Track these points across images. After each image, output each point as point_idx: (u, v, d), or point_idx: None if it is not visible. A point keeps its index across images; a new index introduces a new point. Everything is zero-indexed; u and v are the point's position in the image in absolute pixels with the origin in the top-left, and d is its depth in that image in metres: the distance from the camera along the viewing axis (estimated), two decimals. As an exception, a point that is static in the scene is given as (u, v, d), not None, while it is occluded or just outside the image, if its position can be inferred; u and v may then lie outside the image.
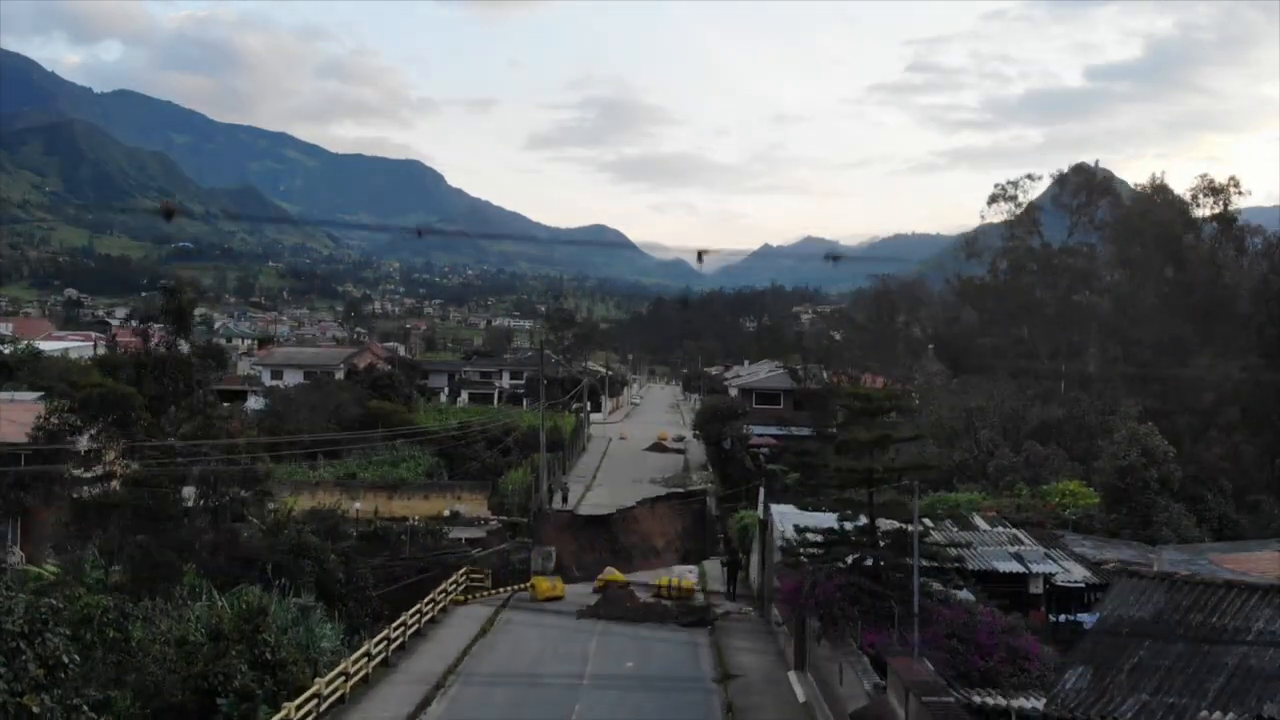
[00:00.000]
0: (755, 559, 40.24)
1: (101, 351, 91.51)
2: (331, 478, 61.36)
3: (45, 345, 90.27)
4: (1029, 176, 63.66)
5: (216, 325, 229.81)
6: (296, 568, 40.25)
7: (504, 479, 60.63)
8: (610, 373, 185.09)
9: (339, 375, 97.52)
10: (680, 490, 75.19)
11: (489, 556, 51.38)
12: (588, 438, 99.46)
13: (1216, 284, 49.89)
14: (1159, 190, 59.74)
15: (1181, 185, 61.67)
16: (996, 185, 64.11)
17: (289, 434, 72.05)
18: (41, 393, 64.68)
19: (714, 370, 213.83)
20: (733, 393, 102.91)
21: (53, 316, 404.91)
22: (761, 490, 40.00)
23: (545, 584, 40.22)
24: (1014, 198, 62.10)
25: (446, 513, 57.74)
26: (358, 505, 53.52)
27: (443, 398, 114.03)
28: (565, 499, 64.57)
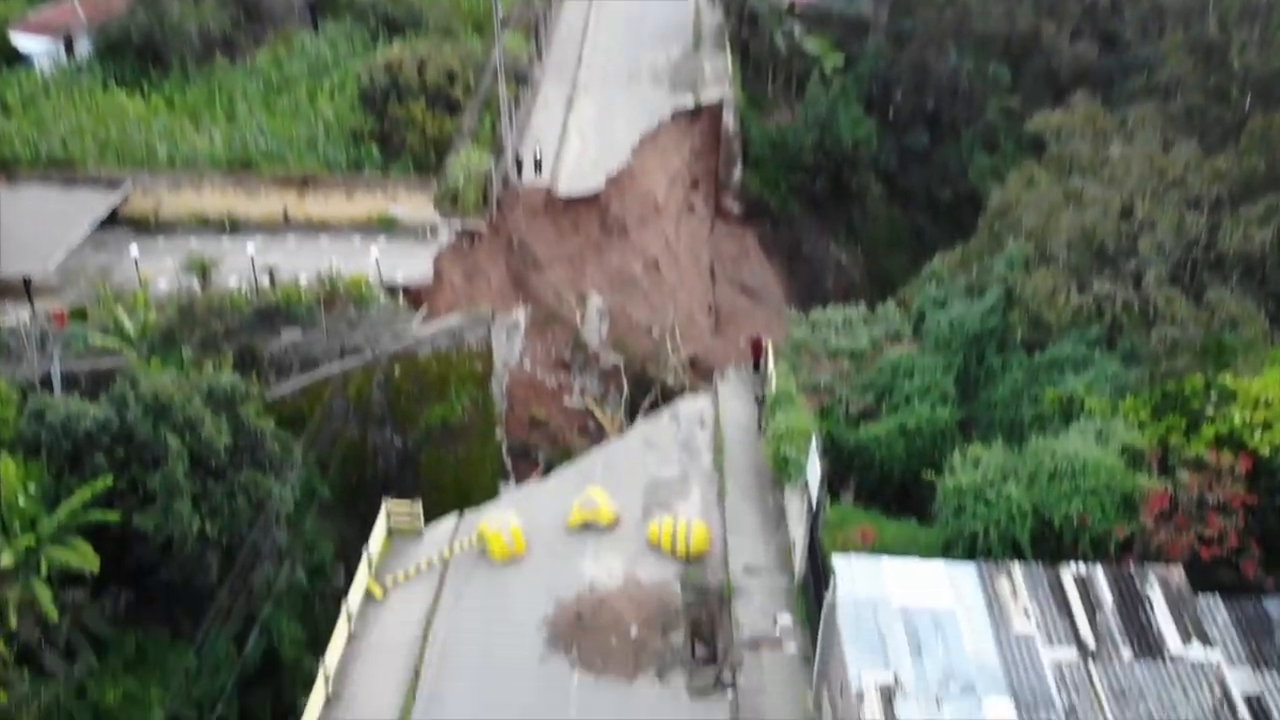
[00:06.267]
0: (800, 544, 27.86)
1: None
2: (224, 159, 45.36)
3: None
4: None
5: None
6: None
7: (453, 163, 44.77)
8: None
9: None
10: (689, 107, 58.23)
11: (436, 340, 38.65)
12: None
13: None
14: None
15: None
16: None
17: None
18: None
19: None
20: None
21: None
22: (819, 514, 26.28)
23: (499, 542, 28.63)
24: None
25: (380, 217, 43.60)
26: (251, 249, 39.12)
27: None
28: (539, 164, 49.17)
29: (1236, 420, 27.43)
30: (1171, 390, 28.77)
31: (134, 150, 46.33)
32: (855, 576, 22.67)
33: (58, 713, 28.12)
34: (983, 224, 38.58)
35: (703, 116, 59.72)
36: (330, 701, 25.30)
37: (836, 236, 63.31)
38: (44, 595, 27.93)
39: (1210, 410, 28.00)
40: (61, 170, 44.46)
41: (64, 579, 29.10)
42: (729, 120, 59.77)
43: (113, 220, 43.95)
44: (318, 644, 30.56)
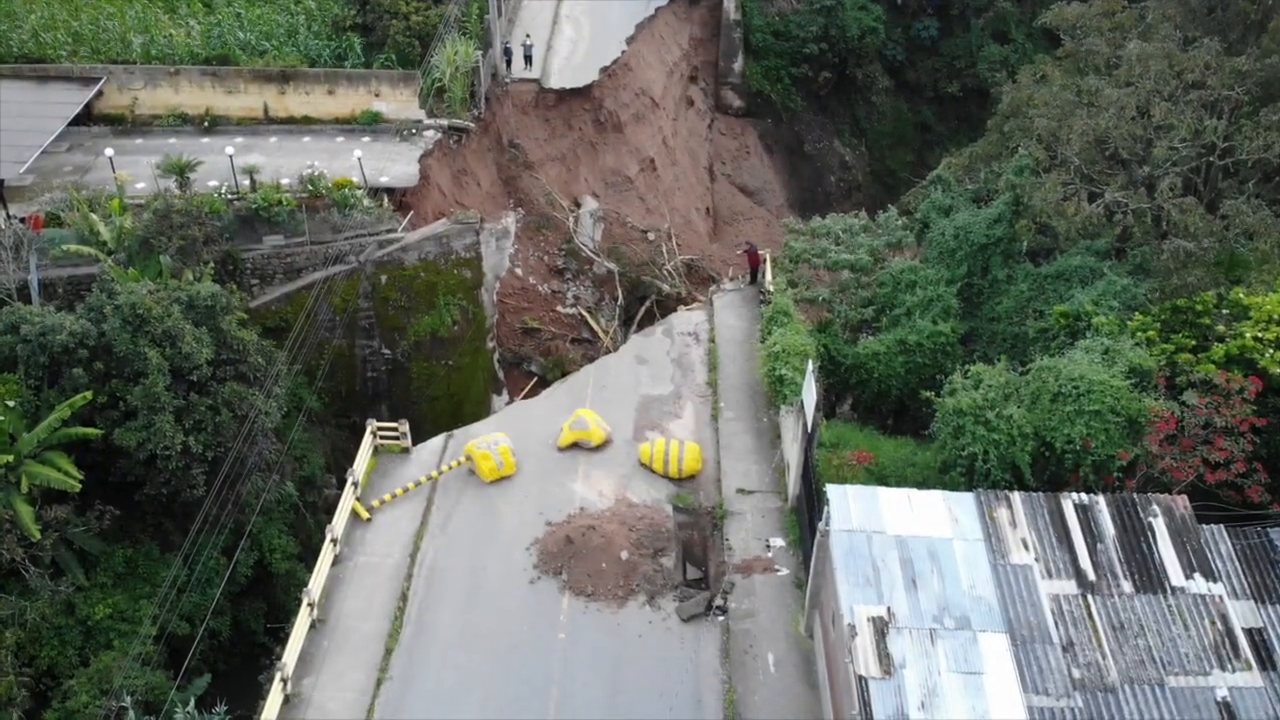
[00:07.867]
0: (795, 466, 27.12)
1: None
2: (202, 52, 43.37)
3: None
4: None
5: None
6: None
7: (438, 56, 42.75)
8: None
9: None
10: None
11: (422, 246, 37.46)
12: None
13: None
14: None
15: None
16: None
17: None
18: None
19: None
20: None
21: None
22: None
23: (488, 462, 27.94)
24: None
25: (364, 114, 41.88)
26: (231, 150, 37.56)
27: None
28: (529, 57, 47.12)
29: (1248, 338, 26.60)
30: (1182, 306, 27.83)
31: (109, 43, 44.30)
32: (849, 507, 22.04)
33: (46, 630, 27.92)
34: (992, 125, 36.95)
35: (702, 2, 57.31)
36: (316, 625, 24.98)
37: (840, 133, 61.35)
38: (25, 513, 27.44)
39: (1221, 327, 27.13)
40: (33, 65, 42.49)
41: (47, 496, 28.62)
42: (729, 7, 57.32)
43: (88, 118, 42.26)
44: (310, 555, 30.32)
